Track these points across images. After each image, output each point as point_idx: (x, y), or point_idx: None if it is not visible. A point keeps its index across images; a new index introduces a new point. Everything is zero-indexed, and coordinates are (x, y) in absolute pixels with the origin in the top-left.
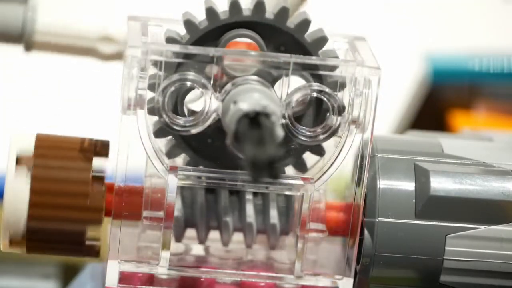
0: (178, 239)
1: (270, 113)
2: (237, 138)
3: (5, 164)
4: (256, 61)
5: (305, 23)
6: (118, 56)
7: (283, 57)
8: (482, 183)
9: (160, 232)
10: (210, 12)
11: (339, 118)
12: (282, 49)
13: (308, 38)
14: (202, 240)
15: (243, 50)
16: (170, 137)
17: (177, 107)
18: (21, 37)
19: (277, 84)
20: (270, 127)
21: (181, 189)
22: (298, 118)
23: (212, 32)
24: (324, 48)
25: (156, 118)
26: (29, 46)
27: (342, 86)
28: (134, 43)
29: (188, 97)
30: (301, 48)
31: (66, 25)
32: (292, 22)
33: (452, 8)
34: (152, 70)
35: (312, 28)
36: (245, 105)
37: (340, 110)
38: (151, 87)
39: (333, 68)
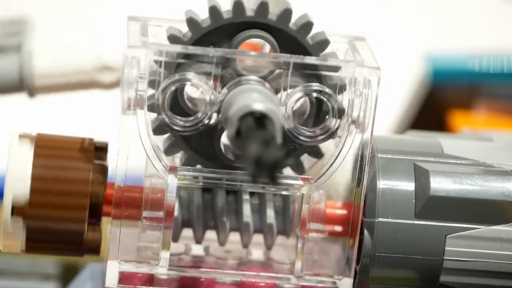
0: (175, 239)
1: (273, 116)
2: (238, 136)
3: (5, 163)
4: (255, 61)
5: (324, 43)
6: (118, 83)
7: (283, 57)
8: (482, 183)
9: (160, 232)
10: (238, 6)
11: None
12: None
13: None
14: (199, 240)
15: (242, 50)
16: (169, 135)
17: (177, 102)
18: (22, 85)
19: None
20: (272, 130)
21: (178, 189)
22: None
23: (232, 26)
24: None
25: (155, 115)
26: (32, 92)
27: (342, 88)
28: (134, 43)
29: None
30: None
31: (63, 64)
32: (311, 38)
33: (452, 8)
34: (152, 68)
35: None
36: (252, 104)
37: (340, 111)
38: (152, 84)
39: (333, 68)
